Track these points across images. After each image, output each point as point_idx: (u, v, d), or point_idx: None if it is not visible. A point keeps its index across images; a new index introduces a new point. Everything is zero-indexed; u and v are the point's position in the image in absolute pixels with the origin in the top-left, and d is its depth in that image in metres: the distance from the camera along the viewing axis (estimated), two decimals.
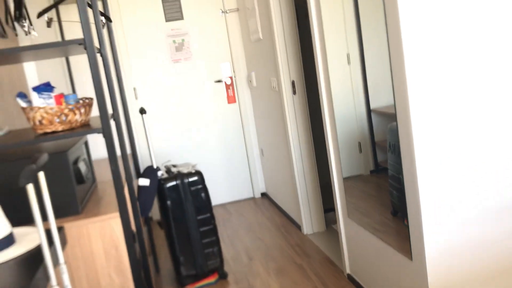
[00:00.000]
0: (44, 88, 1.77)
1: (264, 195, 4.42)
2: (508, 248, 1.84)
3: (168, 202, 2.66)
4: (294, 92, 3.17)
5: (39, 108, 1.73)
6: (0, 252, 1.28)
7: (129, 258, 1.79)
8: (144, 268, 2.16)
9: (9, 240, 1.32)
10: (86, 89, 3.87)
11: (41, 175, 1.30)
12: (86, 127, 1.78)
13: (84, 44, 1.62)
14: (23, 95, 1.79)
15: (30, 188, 1.17)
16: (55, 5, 2.10)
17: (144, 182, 2.62)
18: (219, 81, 4.19)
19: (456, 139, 1.72)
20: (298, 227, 3.45)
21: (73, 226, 1.78)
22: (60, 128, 1.78)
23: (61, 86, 3.79)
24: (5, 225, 1.33)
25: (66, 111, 1.76)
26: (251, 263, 3.01)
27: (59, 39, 3.72)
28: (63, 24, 3.76)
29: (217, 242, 2.75)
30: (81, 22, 1.61)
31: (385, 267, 2.12)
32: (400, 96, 1.71)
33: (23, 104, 1.77)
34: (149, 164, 4.14)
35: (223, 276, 2.83)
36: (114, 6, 3.90)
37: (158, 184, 2.68)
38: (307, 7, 2.41)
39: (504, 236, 1.82)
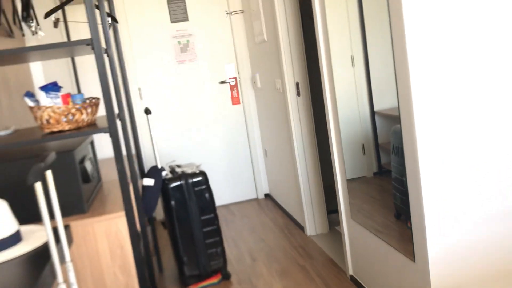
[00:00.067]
0: (52, 87, 1.79)
1: (267, 196, 4.43)
2: None
3: (172, 202, 2.67)
4: (298, 94, 3.18)
5: (47, 107, 1.75)
6: (7, 249, 1.30)
7: (134, 257, 1.81)
8: (148, 267, 2.17)
9: (16, 238, 1.33)
10: (90, 89, 3.89)
11: (49, 174, 1.32)
12: (92, 127, 1.80)
13: (92, 44, 1.64)
14: (30, 95, 1.81)
15: (38, 186, 1.19)
16: (62, 6, 2.12)
17: (149, 182, 2.63)
18: (224, 82, 4.21)
19: (459, 140, 1.73)
20: (302, 228, 3.46)
21: (79, 225, 1.80)
22: (67, 127, 1.80)
23: (67, 86, 3.82)
24: (13, 223, 1.34)
25: (73, 110, 1.78)
26: (254, 264, 3.02)
27: (65, 39, 3.75)
28: (69, 24, 3.78)
29: (220, 243, 2.76)
30: (89, 23, 1.62)
31: (388, 269, 2.13)
32: (404, 98, 1.72)
33: (30, 103, 1.79)
34: (153, 164, 4.16)
35: (226, 276, 2.84)
36: (119, 7, 3.92)
37: (162, 184, 2.69)
38: (312, 9, 2.42)
39: (507, 239, 1.83)
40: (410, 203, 1.83)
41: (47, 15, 2.12)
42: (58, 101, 1.80)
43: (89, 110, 1.85)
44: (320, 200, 3.32)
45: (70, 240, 1.42)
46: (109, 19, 2.44)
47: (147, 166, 4.17)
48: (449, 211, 1.75)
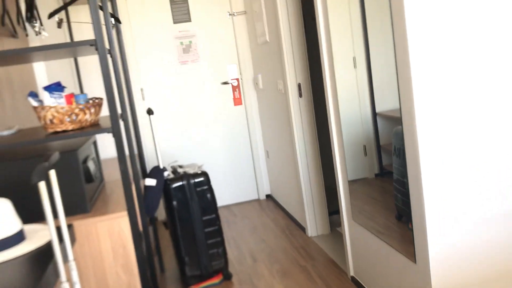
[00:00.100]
0: (55, 87, 1.80)
1: (269, 197, 4.44)
2: None
3: (174, 203, 2.68)
4: (300, 95, 3.19)
5: (51, 107, 1.76)
6: (11, 248, 1.31)
7: (137, 257, 1.81)
8: (150, 267, 2.18)
9: (19, 237, 1.34)
10: (93, 89, 3.91)
11: (52, 173, 1.33)
12: (95, 127, 1.81)
13: (96, 45, 1.65)
14: (34, 95, 1.82)
15: (42, 185, 1.20)
16: (65, 6, 2.13)
17: (151, 182, 2.64)
18: (226, 83, 4.22)
19: (461, 142, 1.73)
20: (303, 229, 3.47)
21: (82, 224, 1.81)
22: (70, 127, 1.81)
23: (69, 86, 3.83)
24: (16, 222, 1.35)
25: (76, 110, 1.79)
26: (256, 264, 3.03)
27: (68, 39, 3.76)
28: (72, 25, 3.79)
29: (222, 243, 2.77)
30: (93, 23, 1.64)
31: (389, 270, 2.13)
32: (405, 100, 1.73)
33: (34, 103, 1.80)
34: (155, 164, 4.17)
35: (227, 277, 2.85)
36: (122, 7, 3.94)
37: (165, 185, 2.70)
38: (314, 10, 2.43)
39: (508, 240, 1.83)
40: (411, 204, 1.83)
41: (51, 15, 2.14)
42: (62, 101, 1.81)
43: (92, 110, 1.86)
44: (322, 201, 3.32)
45: (73, 240, 1.43)
46: (112, 19, 2.45)
47: (149, 166, 4.18)
48: (450, 212, 1.76)
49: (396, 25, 1.70)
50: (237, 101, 4.26)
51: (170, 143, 4.19)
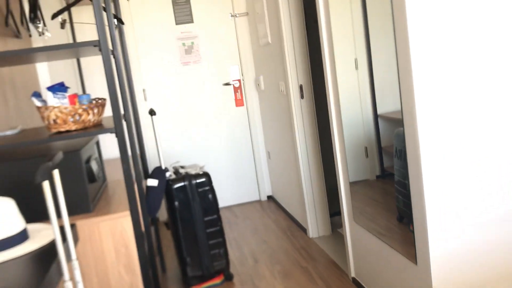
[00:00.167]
0: (59, 88, 1.81)
1: (270, 198, 4.44)
2: None
3: (176, 203, 2.69)
4: (302, 96, 3.19)
5: (54, 107, 1.77)
6: (14, 247, 1.32)
7: (139, 257, 1.82)
8: (152, 267, 2.19)
9: (23, 236, 1.35)
10: (95, 89, 3.92)
11: (56, 173, 1.34)
12: (99, 127, 1.82)
13: (99, 46, 1.66)
14: (38, 95, 1.83)
15: (46, 185, 1.21)
16: (69, 7, 2.14)
17: (153, 182, 2.65)
18: (228, 84, 4.23)
19: (462, 144, 1.74)
20: (304, 230, 3.47)
21: (84, 224, 1.82)
22: (73, 127, 1.82)
23: (72, 86, 3.84)
24: (20, 221, 1.36)
25: (80, 111, 1.80)
26: (257, 265, 3.03)
27: (71, 40, 3.78)
28: (74, 25, 3.81)
29: (223, 244, 2.78)
30: (96, 24, 1.65)
31: (390, 271, 2.14)
32: (407, 101, 1.74)
33: (38, 103, 1.81)
34: (157, 165, 4.18)
35: (228, 277, 2.85)
36: (125, 8, 3.95)
37: (166, 185, 2.71)
38: (316, 12, 2.44)
39: (509, 242, 1.84)
40: (412, 206, 1.84)
41: (54, 16, 2.15)
42: (65, 102, 1.83)
43: (96, 110, 1.87)
44: (323, 202, 3.33)
45: (76, 239, 1.44)
46: (115, 20, 2.47)
47: (151, 166, 4.19)
48: (451, 214, 1.76)
49: (397, 27, 1.71)
50: (239, 102, 4.27)
51: (171, 144, 4.20)
